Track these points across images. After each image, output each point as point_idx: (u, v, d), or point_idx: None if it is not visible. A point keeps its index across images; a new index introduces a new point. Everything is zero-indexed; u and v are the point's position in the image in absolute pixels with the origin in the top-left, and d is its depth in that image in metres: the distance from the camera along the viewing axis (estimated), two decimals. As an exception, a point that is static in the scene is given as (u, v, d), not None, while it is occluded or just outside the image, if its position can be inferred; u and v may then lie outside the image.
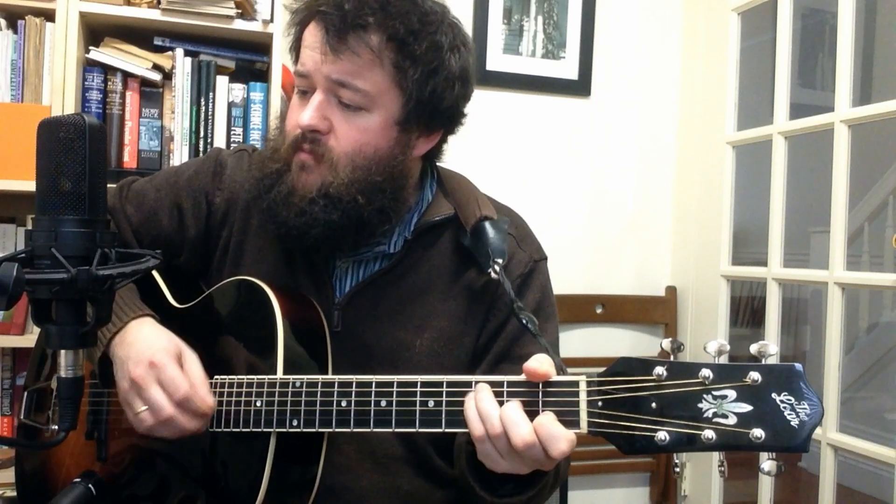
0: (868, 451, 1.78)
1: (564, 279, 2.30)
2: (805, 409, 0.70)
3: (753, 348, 0.74)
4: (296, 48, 1.00)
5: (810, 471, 3.51)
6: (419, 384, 0.83)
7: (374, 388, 0.84)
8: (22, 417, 1.04)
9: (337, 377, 0.87)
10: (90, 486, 0.85)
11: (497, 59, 2.32)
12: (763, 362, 0.72)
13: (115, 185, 1.15)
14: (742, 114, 2.27)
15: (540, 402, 0.78)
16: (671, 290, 2.48)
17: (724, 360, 0.74)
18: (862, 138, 1.90)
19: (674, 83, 2.52)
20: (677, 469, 0.80)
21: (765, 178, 2.08)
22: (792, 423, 0.70)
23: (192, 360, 0.91)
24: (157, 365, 0.87)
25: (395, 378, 0.84)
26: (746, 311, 4.44)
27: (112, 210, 1.11)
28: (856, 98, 1.88)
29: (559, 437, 0.75)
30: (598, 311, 2.43)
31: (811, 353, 4.25)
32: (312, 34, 0.94)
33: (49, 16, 1.74)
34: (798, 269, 2.16)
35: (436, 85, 0.94)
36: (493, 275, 0.97)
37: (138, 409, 0.88)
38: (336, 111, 0.94)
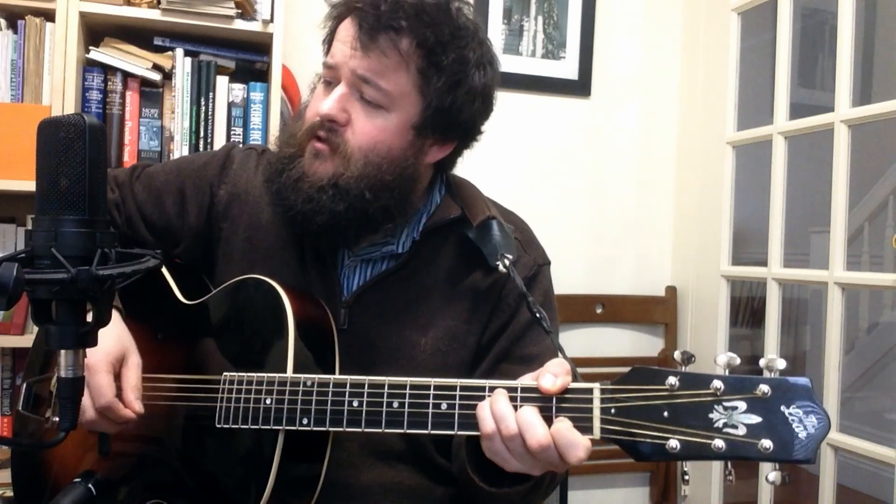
0: (868, 451, 1.78)
1: (564, 279, 2.30)
2: (813, 422, 0.71)
3: (762, 362, 0.75)
4: (329, 41, 1.02)
5: (810, 471, 3.51)
6: (432, 387, 0.83)
7: (386, 389, 0.84)
8: (20, 408, 1.05)
9: (349, 377, 0.87)
10: (90, 486, 0.85)
11: (497, 59, 2.32)
12: (772, 375, 0.74)
13: (129, 167, 1.18)
14: (742, 114, 2.27)
15: (554, 408, 0.79)
16: (671, 290, 2.48)
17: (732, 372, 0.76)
18: (862, 138, 1.91)
19: (674, 83, 2.52)
20: (686, 477, 0.81)
21: (765, 178, 2.08)
22: (800, 436, 0.71)
23: (132, 365, 0.94)
24: (90, 369, 0.90)
25: (408, 380, 0.84)
26: (746, 311, 4.44)
27: (120, 185, 1.14)
28: (856, 98, 1.88)
29: (577, 444, 0.75)
30: (598, 311, 2.43)
31: (811, 353, 4.25)
32: (346, 29, 0.96)
33: (49, 16, 1.74)
34: (798, 269, 2.16)
35: (456, 97, 0.96)
36: (501, 268, 0.98)
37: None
38: (357, 105, 0.96)
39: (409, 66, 0.94)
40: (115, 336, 0.94)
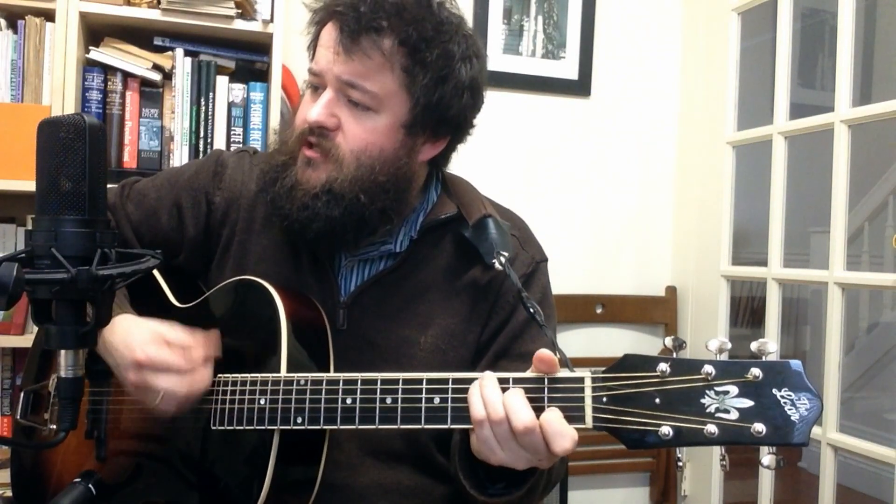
0: (868, 451, 1.78)
1: (564, 279, 2.30)
2: (805, 404, 0.71)
3: (754, 346, 0.75)
4: (313, 46, 1.01)
5: (810, 471, 3.52)
6: (424, 381, 0.83)
7: (379, 386, 0.85)
8: (18, 417, 1.04)
9: (342, 375, 0.87)
10: (90, 486, 0.85)
11: (497, 59, 2.32)
12: (763, 359, 0.73)
13: (116, 185, 1.15)
14: (742, 114, 2.26)
15: (545, 398, 0.79)
16: (671, 290, 2.48)
17: (724, 357, 0.75)
18: (862, 138, 1.90)
19: (674, 83, 2.52)
20: (680, 464, 0.81)
21: (765, 178, 2.08)
22: (792, 418, 0.71)
23: (173, 331, 0.91)
24: (144, 362, 0.88)
25: (401, 375, 0.84)
26: (746, 311, 4.43)
27: (112, 208, 1.12)
28: (856, 98, 1.88)
29: (564, 435, 0.76)
30: (598, 311, 2.43)
31: (811, 353, 4.25)
32: (328, 33, 0.96)
33: (49, 16, 1.74)
34: (798, 269, 2.16)
35: (444, 92, 0.96)
36: (497, 266, 0.98)
37: (156, 400, 0.89)
38: (345, 109, 0.95)
39: (393, 66, 0.93)
40: (137, 329, 0.92)
